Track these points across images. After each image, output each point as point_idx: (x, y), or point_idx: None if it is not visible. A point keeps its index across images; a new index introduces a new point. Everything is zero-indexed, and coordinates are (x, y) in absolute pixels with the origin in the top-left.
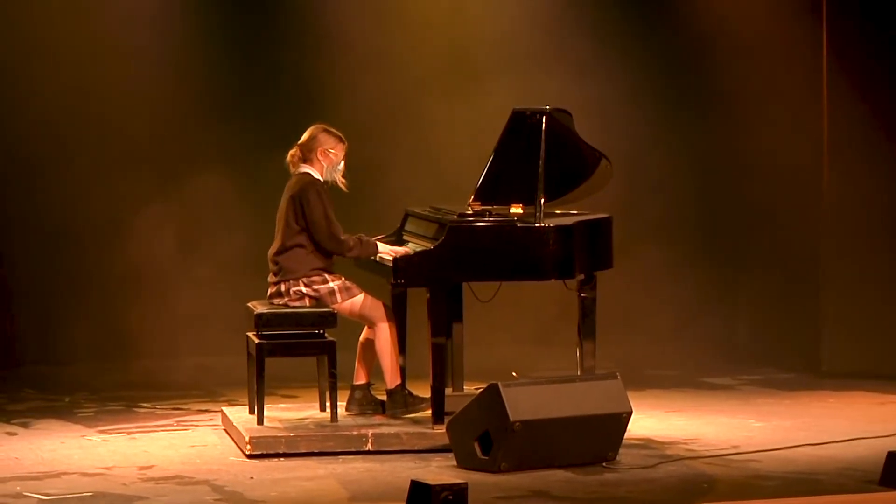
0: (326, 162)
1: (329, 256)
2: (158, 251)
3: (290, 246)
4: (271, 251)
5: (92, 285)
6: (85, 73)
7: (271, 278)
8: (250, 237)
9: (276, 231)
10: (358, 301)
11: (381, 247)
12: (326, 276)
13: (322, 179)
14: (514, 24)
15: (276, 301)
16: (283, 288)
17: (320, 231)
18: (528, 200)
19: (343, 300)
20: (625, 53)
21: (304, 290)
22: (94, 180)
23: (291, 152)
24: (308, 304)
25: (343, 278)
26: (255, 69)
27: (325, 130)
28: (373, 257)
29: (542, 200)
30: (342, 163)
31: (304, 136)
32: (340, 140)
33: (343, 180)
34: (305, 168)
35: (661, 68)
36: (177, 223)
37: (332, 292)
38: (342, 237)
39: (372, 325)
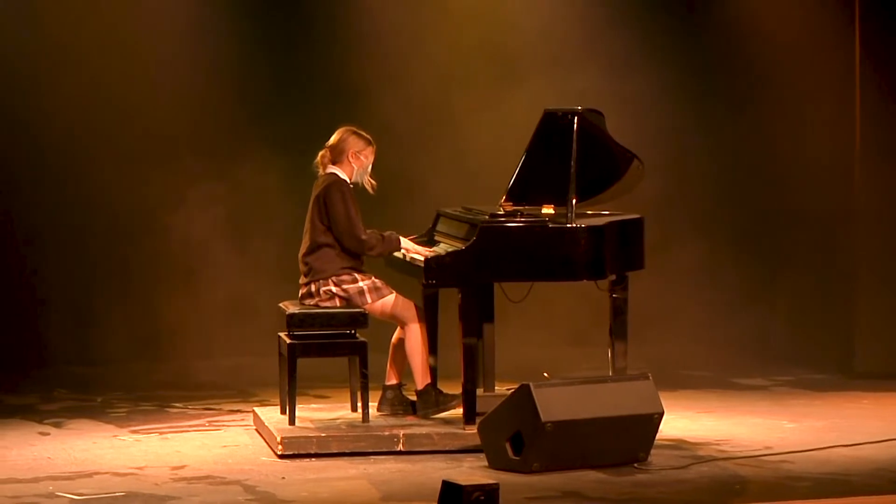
0: (357, 164)
1: (357, 256)
2: (192, 251)
3: (319, 246)
4: (301, 252)
5: (124, 285)
6: (118, 77)
7: (302, 279)
8: (284, 238)
9: (304, 232)
10: (388, 301)
11: (405, 242)
12: (356, 275)
13: (350, 181)
14: (550, 21)
15: (307, 301)
16: (313, 288)
17: (341, 231)
18: (560, 201)
19: (373, 300)
20: (660, 51)
21: (333, 289)
22: (127, 179)
23: (321, 154)
24: (339, 305)
25: (373, 278)
26: (288, 64)
27: (355, 133)
28: (400, 254)
29: (574, 201)
30: (370, 167)
31: (333, 139)
32: (369, 143)
33: (371, 182)
34: (333, 169)
35: (697, 66)
36: (211, 223)
37: (361, 292)
38: (363, 236)
39: (403, 326)
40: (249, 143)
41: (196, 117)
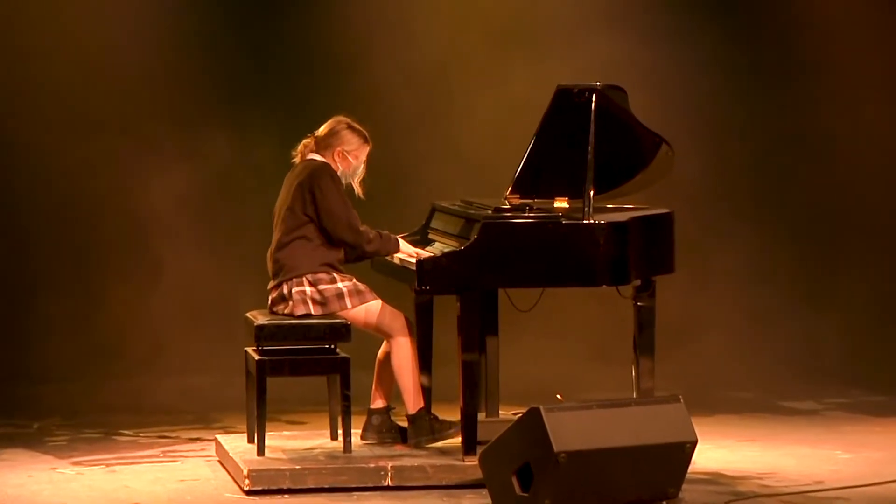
0: (344, 165)
1: (340, 252)
2: (143, 251)
3: (292, 239)
4: (270, 249)
5: (64, 287)
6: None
7: (271, 282)
8: (258, 233)
9: (274, 226)
10: (373, 308)
11: (403, 245)
12: (335, 275)
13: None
14: None
15: (278, 309)
16: (284, 290)
17: (338, 221)
18: (575, 193)
19: (354, 305)
20: (692, 16)
21: (308, 290)
22: (70, 160)
23: (305, 142)
24: (314, 311)
25: (355, 280)
26: (263, 35)
27: (350, 127)
28: (393, 257)
29: (592, 193)
30: (362, 166)
31: (324, 129)
32: (365, 140)
33: (360, 186)
34: (314, 156)
35: (737, 35)
36: (171, 214)
37: (340, 295)
38: (361, 227)
39: (388, 339)
40: (220, 123)
41: (160, 92)
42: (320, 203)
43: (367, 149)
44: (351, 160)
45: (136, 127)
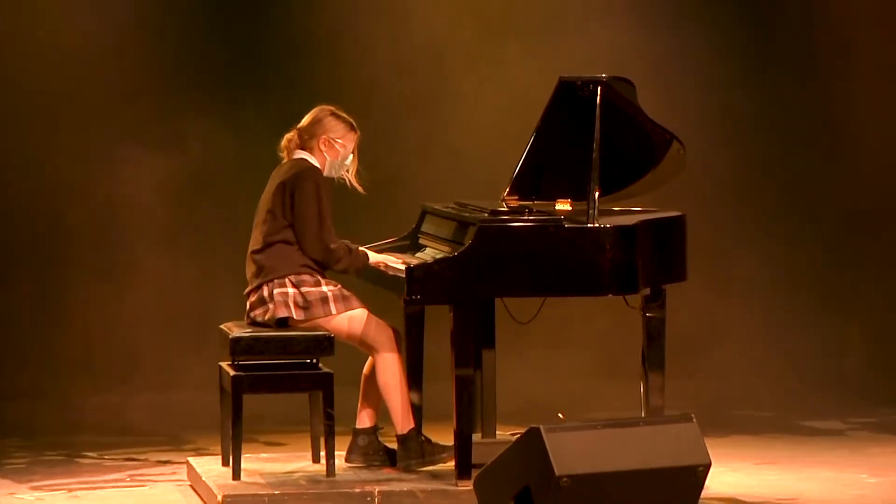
0: (331, 154)
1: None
2: (110, 254)
3: (274, 242)
4: (250, 249)
5: (24, 298)
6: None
7: (250, 284)
8: (237, 234)
9: (255, 226)
10: (357, 318)
11: (375, 257)
12: (319, 277)
13: (323, 172)
14: None
15: (256, 313)
16: (265, 292)
17: (308, 232)
18: (579, 194)
19: (339, 311)
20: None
21: (290, 292)
22: (24, 180)
23: (288, 136)
24: (296, 316)
25: (340, 286)
26: (242, 21)
27: (333, 114)
28: (383, 265)
29: (597, 194)
30: (351, 156)
31: (307, 119)
32: (351, 128)
33: (356, 179)
34: (303, 155)
35: (758, 20)
36: (139, 212)
37: (325, 299)
38: (332, 245)
39: (374, 353)
40: (201, 114)
41: (129, 77)
42: (297, 208)
43: (354, 136)
44: (338, 148)
45: (106, 116)
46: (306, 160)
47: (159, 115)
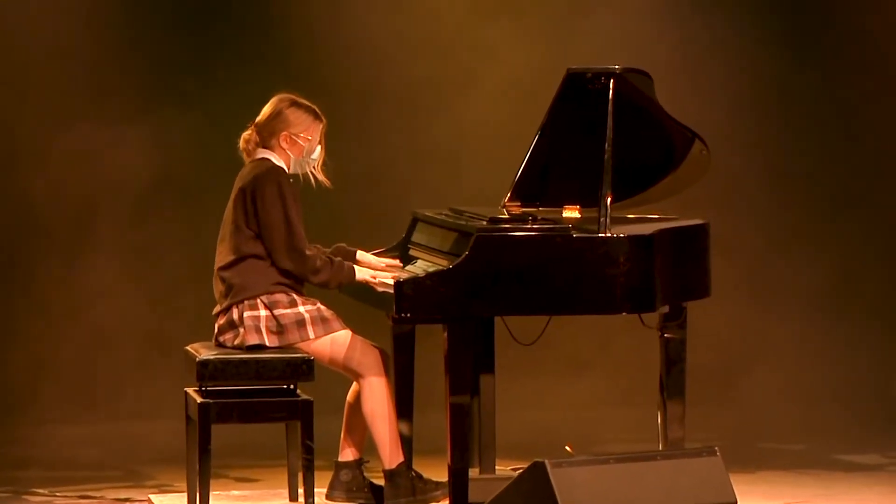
0: (294, 151)
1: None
2: (61, 266)
3: (243, 256)
4: (216, 265)
5: None
6: None
7: (218, 305)
8: (202, 250)
9: (220, 239)
10: (340, 340)
11: (360, 273)
12: (296, 296)
13: (289, 171)
14: None
15: (225, 338)
16: (234, 315)
17: (275, 239)
18: (589, 200)
19: (317, 336)
20: None
21: (262, 314)
22: None
23: (245, 136)
24: (269, 342)
25: (319, 304)
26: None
27: (294, 104)
28: (371, 280)
29: (609, 200)
30: (319, 148)
31: (264, 113)
32: (315, 117)
33: (322, 173)
34: (265, 154)
35: (793, 3)
36: (91, 220)
37: (301, 323)
38: (307, 252)
39: (358, 378)
40: (173, 107)
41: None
42: (260, 216)
43: (319, 126)
44: (301, 143)
45: (54, 126)
46: (268, 160)
47: (116, 120)
